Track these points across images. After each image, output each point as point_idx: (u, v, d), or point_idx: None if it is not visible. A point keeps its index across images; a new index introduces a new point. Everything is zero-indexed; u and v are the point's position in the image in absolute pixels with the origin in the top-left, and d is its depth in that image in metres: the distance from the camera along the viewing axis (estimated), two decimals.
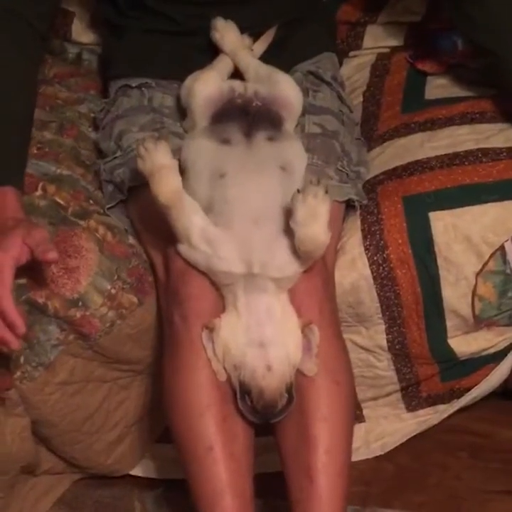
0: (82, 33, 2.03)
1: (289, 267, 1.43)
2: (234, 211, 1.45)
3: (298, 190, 1.39)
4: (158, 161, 1.41)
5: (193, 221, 1.43)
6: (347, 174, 1.64)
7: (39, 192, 1.62)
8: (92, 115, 1.83)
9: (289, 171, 1.53)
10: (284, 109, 1.62)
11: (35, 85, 1.65)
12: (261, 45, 1.75)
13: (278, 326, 1.42)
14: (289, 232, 1.41)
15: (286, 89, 1.64)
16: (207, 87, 1.62)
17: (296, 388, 1.42)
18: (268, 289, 1.43)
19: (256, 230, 1.43)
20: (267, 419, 1.41)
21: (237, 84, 1.65)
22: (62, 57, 2.00)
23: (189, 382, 1.42)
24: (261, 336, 1.41)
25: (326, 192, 1.38)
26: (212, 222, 1.44)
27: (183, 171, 1.53)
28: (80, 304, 1.52)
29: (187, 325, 1.44)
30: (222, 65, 1.69)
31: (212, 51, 1.71)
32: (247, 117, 1.57)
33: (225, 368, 1.42)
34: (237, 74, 1.71)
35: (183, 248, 1.46)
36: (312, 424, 1.41)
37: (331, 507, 1.38)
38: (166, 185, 1.41)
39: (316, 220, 1.38)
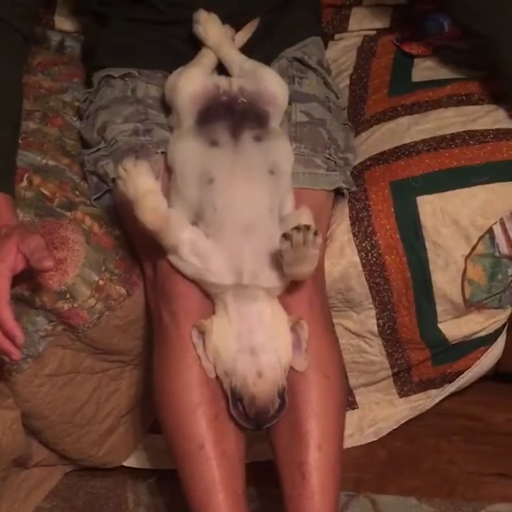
0: (65, 21, 2.02)
1: (278, 277, 1.42)
2: (223, 221, 1.43)
3: (285, 235, 1.34)
4: (141, 185, 1.39)
5: (182, 237, 1.42)
6: (335, 162, 1.63)
7: (24, 183, 1.61)
8: (77, 104, 1.81)
9: (277, 174, 1.50)
10: (269, 104, 1.59)
11: (21, 88, 1.63)
12: (243, 36, 1.73)
13: (269, 331, 1.41)
14: (277, 238, 1.39)
15: (271, 85, 1.60)
16: (191, 84, 1.59)
17: (287, 384, 1.42)
18: (258, 296, 1.42)
19: (246, 239, 1.42)
20: (260, 425, 1.40)
21: (221, 80, 1.62)
22: (45, 45, 1.98)
23: (179, 381, 1.41)
24: (252, 342, 1.40)
25: (315, 234, 1.34)
26: (202, 233, 1.43)
27: (170, 169, 1.53)
28: (68, 295, 1.51)
29: (176, 323, 1.44)
30: (205, 60, 1.66)
31: (196, 40, 1.68)
32: (233, 116, 1.55)
33: (217, 375, 1.42)
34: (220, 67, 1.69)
35: (172, 258, 1.45)
36: (304, 419, 1.41)
37: (323, 502, 1.39)
38: (152, 211, 1.39)
39: (306, 261, 1.37)
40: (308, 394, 1.42)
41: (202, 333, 1.42)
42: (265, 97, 1.59)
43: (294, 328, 1.43)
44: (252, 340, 1.40)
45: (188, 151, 1.53)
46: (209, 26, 1.66)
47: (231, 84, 1.60)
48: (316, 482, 1.39)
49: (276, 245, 1.38)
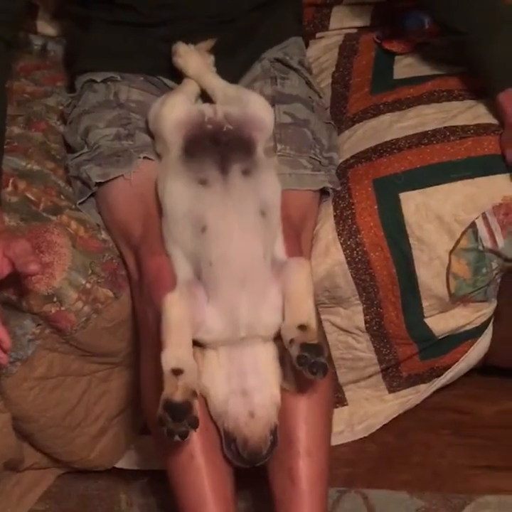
0: (47, 25, 2.02)
1: (274, 325, 1.41)
2: (220, 275, 1.40)
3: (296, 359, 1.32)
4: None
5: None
6: (320, 162, 1.64)
7: (10, 188, 1.61)
8: (60, 108, 1.81)
9: (268, 214, 1.46)
10: (256, 129, 1.55)
11: (5, 94, 1.62)
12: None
13: (262, 373, 1.42)
14: (272, 285, 1.41)
15: (257, 109, 1.57)
16: (175, 111, 1.56)
17: None
18: (253, 343, 1.42)
19: (242, 292, 1.39)
20: (253, 464, 1.41)
21: (206, 107, 1.58)
22: (27, 49, 1.98)
23: None
24: (243, 384, 1.40)
25: (325, 366, 1.32)
26: (204, 296, 1.40)
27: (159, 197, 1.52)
28: (55, 299, 1.51)
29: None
30: (189, 88, 1.64)
31: (176, 42, 1.68)
32: (219, 147, 1.49)
33: (210, 415, 1.42)
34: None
35: None
36: (292, 426, 1.43)
37: (312, 506, 1.41)
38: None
39: None
40: (297, 402, 1.43)
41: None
42: (251, 122, 1.55)
43: (282, 356, 1.43)
44: (244, 382, 1.40)
45: (178, 191, 1.48)
46: (189, 58, 1.66)
47: (216, 111, 1.56)
48: (306, 487, 1.41)
49: (271, 292, 1.40)
